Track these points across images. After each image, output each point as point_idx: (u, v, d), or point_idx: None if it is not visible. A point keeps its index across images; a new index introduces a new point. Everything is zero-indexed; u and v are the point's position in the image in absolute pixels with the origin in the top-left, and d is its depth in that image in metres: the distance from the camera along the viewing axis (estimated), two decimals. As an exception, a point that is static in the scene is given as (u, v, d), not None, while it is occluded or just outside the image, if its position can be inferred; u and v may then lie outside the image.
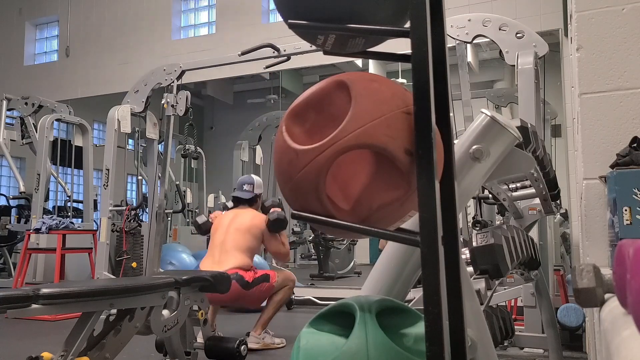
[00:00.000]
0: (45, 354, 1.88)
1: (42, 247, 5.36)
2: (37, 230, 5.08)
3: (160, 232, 4.48)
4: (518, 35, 3.47)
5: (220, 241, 3.48)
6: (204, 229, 3.72)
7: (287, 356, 2.92)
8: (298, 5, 0.90)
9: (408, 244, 0.84)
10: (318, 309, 0.96)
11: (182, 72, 4.78)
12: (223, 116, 11.72)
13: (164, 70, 4.86)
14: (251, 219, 3.53)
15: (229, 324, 4.16)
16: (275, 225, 3.48)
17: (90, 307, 2.00)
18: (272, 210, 3.54)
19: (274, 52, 4.41)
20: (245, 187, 3.71)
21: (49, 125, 6.18)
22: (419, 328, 0.89)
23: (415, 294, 1.71)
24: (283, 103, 8.69)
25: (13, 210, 7.00)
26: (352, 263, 8.56)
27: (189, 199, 8.80)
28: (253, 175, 3.88)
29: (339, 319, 0.92)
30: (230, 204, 3.83)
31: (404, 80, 7.73)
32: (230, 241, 3.45)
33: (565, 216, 5.35)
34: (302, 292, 5.49)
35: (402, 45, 0.91)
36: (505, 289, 2.85)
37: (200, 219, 3.77)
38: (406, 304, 0.98)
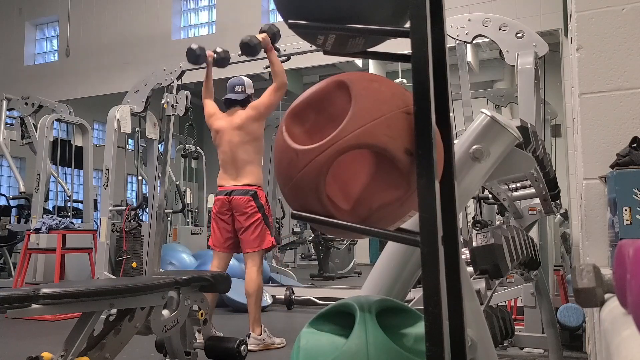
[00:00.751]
0: (45, 354, 1.88)
1: (42, 247, 5.36)
2: (37, 230, 5.08)
3: (160, 232, 4.49)
4: (518, 35, 3.47)
5: (229, 154, 3.50)
6: (201, 58, 3.74)
7: (287, 356, 2.92)
8: (298, 5, 0.90)
9: (408, 244, 0.84)
10: (318, 309, 0.96)
11: (182, 72, 4.78)
12: (223, 116, 11.70)
13: (164, 70, 4.86)
14: (246, 116, 3.51)
15: (229, 324, 4.16)
16: (247, 48, 3.45)
17: (90, 307, 2.00)
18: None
19: (273, 52, 4.40)
20: (237, 88, 3.65)
21: (49, 125, 6.17)
22: (419, 328, 0.89)
23: (415, 294, 1.71)
24: (283, 103, 8.69)
25: (13, 210, 7.00)
26: (352, 263, 8.56)
27: (189, 199, 8.80)
28: (243, 76, 3.81)
29: (339, 319, 0.92)
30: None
31: (404, 80, 7.73)
32: (241, 154, 3.47)
33: (565, 216, 5.35)
34: (302, 292, 5.49)
35: (402, 45, 0.91)
36: (505, 289, 2.85)
37: (195, 45, 3.77)
38: (406, 304, 0.98)
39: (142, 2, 8.27)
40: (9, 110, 6.73)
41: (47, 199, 6.77)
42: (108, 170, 4.85)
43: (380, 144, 0.80)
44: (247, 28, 7.29)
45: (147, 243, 5.01)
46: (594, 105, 1.52)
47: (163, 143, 5.00)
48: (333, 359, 0.86)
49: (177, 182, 7.51)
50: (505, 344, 2.80)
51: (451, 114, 0.91)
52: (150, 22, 8.13)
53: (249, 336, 3.31)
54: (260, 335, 3.37)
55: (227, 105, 3.67)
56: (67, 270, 5.27)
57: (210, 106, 3.69)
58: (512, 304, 3.91)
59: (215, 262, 3.55)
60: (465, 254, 1.54)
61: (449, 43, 3.44)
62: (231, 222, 3.50)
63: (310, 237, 8.34)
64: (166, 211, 4.92)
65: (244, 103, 3.63)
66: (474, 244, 1.55)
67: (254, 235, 3.43)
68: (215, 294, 3.46)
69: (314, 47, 1.07)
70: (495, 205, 3.42)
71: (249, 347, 2.99)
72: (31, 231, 5.20)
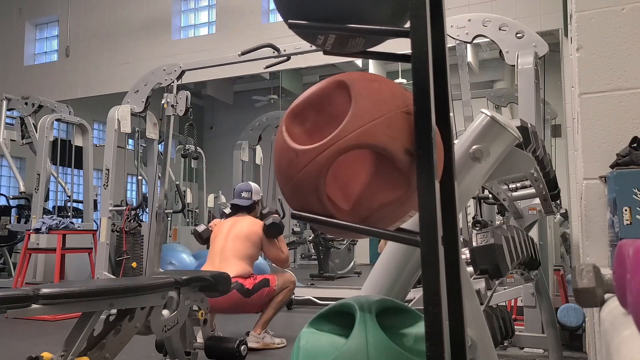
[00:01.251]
0: (45, 354, 1.88)
1: (42, 247, 5.36)
2: (37, 230, 5.08)
3: (160, 232, 4.48)
4: (518, 35, 3.47)
5: (219, 248, 3.49)
6: (204, 238, 3.72)
7: (287, 356, 2.92)
8: (298, 5, 0.90)
9: (408, 244, 0.84)
10: (318, 309, 0.96)
11: (182, 72, 4.78)
12: (223, 116, 11.72)
13: (164, 70, 4.86)
14: (249, 225, 3.54)
15: (229, 324, 4.15)
16: (271, 230, 3.48)
17: (90, 307, 2.00)
18: (269, 216, 3.56)
19: (274, 52, 4.41)
20: (243, 194, 3.73)
21: (49, 125, 6.17)
22: (419, 328, 0.89)
23: (415, 294, 1.71)
24: (283, 103, 8.70)
25: (13, 210, 7.00)
26: (352, 263, 8.56)
27: (189, 199, 8.80)
28: (251, 183, 3.91)
29: (339, 319, 0.92)
30: (228, 210, 3.84)
31: (404, 80, 7.73)
32: (230, 249, 3.45)
33: (565, 216, 5.35)
34: (302, 292, 5.49)
35: (402, 45, 0.91)
36: (505, 289, 2.84)
37: (200, 228, 3.77)
38: (406, 304, 0.98)
39: (142, 2, 8.27)
40: (9, 110, 6.72)
41: (47, 199, 6.77)
42: (108, 170, 4.85)
43: (380, 144, 0.80)
44: (247, 28, 7.32)
45: (147, 243, 5.01)
46: (594, 105, 1.52)
47: (163, 143, 5.00)
48: (333, 359, 0.86)
49: (177, 182, 7.50)
50: (505, 344, 2.81)
51: (451, 114, 0.91)
52: (150, 22, 8.13)
53: (248, 334, 3.32)
54: (260, 334, 3.37)
55: (233, 210, 3.76)
56: (67, 270, 5.27)
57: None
58: (512, 304, 3.91)
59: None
60: (465, 254, 1.54)
61: (449, 43, 3.45)
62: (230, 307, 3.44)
63: (310, 237, 8.34)
64: (166, 211, 4.92)
65: (249, 209, 3.71)
66: (474, 244, 1.55)
67: (256, 307, 3.46)
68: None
69: (314, 47, 1.07)
70: (495, 205, 3.42)
71: (248, 345, 3.00)
72: (31, 231, 5.20)
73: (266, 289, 3.40)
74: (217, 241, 3.54)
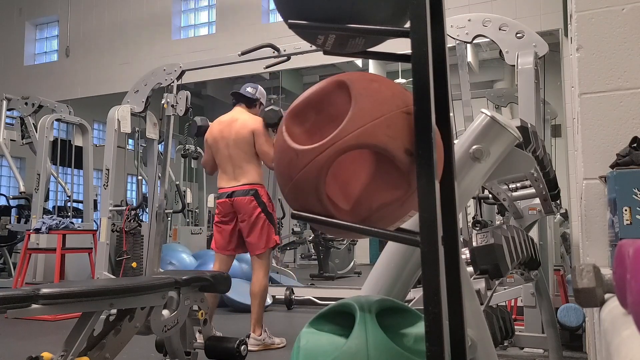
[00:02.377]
0: (45, 354, 1.88)
1: (42, 247, 5.36)
2: (37, 230, 5.08)
3: (160, 232, 4.48)
4: (518, 35, 3.47)
5: (227, 155, 3.46)
6: (202, 131, 3.66)
7: (287, 356, 2.92)
8: (298, 5, 0.90)
9: (408, 244, 0.84)
10: (318, 309, 0.96)
11: (182, 72, 4.78)
12: (223, 116, 11.70)
13: (164, 70, 4.86)
14: (245, 122, 3.47)
15: (229, 324, 4.16)
16: (271, 114, 3.41)
17: (90, 307, 2.00)
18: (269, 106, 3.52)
19: (274, 52, 4.41)
20: (248, 88, 3.65)
21: (49, 125, 6.17)
22: (419, 328, 0.89)
23: (415, 294, 1.71)
24: (283, 103, 8.69)
25: (13, 210, 7.00)
26: (352, 263, 8.56)
27: (189, 199, 8.80)
28: (260, 87, 3.82)
29: (339, 319, 0.92)
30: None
31: (404, 80, 7.73)
32: (238, 154, 3.43)
33: (565, 216, 5.35)
34: (302, 292, 5.49)
35: (402, 45, 0.91)
36: (505, 289, 2.84)
37: (200, 120, 3.72)
38: (406, 304, 0.98)
39: (142, 2, 8.27)
40: (9, 110, 6.72)
41: (47, 199, 6.77)
42: (108, 170, 4.84)
43: (380, 144, 0.80)
44: (247, 28, 7.32)
45: (147, 243, 5.01)
46: (594, 105, 1.52)
47: (163, 143, 4.99)
48: (333, 359, 0.86)
49: (177, 182, 7.51)
50: (505, 344, 2.80)
51: (451, 114, 0.91)
52: (150, 22, 8.13)
53: (248, 336, 3.31)
54: (260, 335, 3.37)
55: (233, 98, 3.68)
56: (67, 270, 5.27)
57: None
58: (512, 304, 3.91)
59: (217, 265, 3.52)
60: (465, 254, 1.54)
61: (449, 43, 3.44)
62: (234, 224, 3.47)
63: (310, 237, 8.34)
64: (166, 211, 4.91)
65: (249, 103, 3.63)
66: (474, 244, 1.55)
67: (259, 237, 3.41)
68: (216, 296, 3.44)
69: (314, 47, 1.07)
70: (495, 205, 3.42)
71: (249, 348, 2.99)
72: (31, 231, 5.20)
73: (270, 227, 3.42)
74: (221, 146, 3.48)
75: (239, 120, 3.53)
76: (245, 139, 3.45)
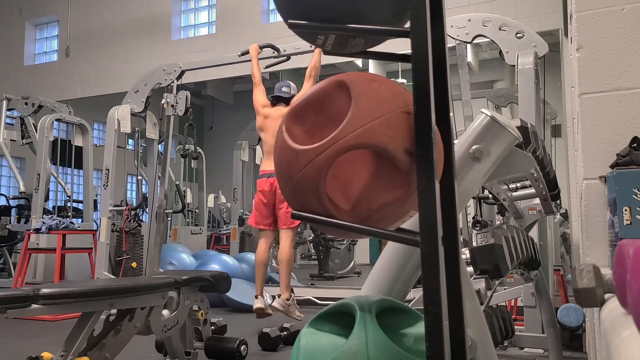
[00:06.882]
0: (45, 354, 1.89)
1: (42, 247, 5.35)
2: (37, 230, 5.08)
3: (160, 232, 4.49)
4: (518, 35, 3.47)
5: (271, 144, 3.73)
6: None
7: (287, 356, 2.92)
8: (298, 5, 0.90)
9: (408, 244, 0.84)
10: (318, 309, 0.96)
11: (182, 72, 4.78)
12: (223, 116, 11.72)
13: (164, 70, 4.86)
14: None
15: (228, 324, 4.15)
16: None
17: (90, 307, 2.00)
18: None
19: (274, 52, 4.41)
20: (283, 89, 3.99)
21: (49, 125, 6.17)
22: (419, 328, 0.89)
23: (415, 294, 1.71)
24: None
25: (13, 210, 6.99)
26: (352, 263, 8.55)
27: (189, 199, 8.80)
28: (289, 81, 4.14)
29: (339, 319, 0.92)
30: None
31: (404, 80, 7.72)
32: None
33: (565, 216, 5.34)
34: (302, 292, 5.48)
35: (402, 45, 0.91)
36: (505, 289, 2.85)
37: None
38: (406, 304, 0.98)
39: (142, 2, 8.27)
40: (9, 110, 6.73)
41: (47, 199, 6.76)
42: (108, 170, 4.84)
43: (380, 144, 0.80)
44: (247, 28, 7.31)
45: (147, 243, 5.01)
46: (594, 105, 1.52)
47: (163, 143, 5.00)
48: (333, 359, 0.86)
49: (177, 182, 7.51)
50: (505, 344, 2.81)
51: (451, 114, 0.91)
52: (150, 22, 8.13)
53: (279, 296, 3.54)
54: (289, 300, 3.58)
55: (274, 101, 3.99)
56: (67, 270, 5.26)
57: (262, 95, 4.01)
58: (512, 304, 3.91)
59: (263, 240, 3.82)
60: (465, 254, 1.54)
61: (449, 43, 3.45)
62: (273, 201, 3.76)
63: (310, 237, 8.33)
64: (166, 211, 4.92)
65: (288, 101, 3.93)
66: (474, 244, 1.55)
67: (288, 212, 3.64)
68: None
69: (314, 47, 1.07)
70: (495, 205, 3.42)
71: (273, 305, 3.29)
72: (31, 231, 5.20)
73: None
74: (269, 135, 3.83)
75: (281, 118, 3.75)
76: None
